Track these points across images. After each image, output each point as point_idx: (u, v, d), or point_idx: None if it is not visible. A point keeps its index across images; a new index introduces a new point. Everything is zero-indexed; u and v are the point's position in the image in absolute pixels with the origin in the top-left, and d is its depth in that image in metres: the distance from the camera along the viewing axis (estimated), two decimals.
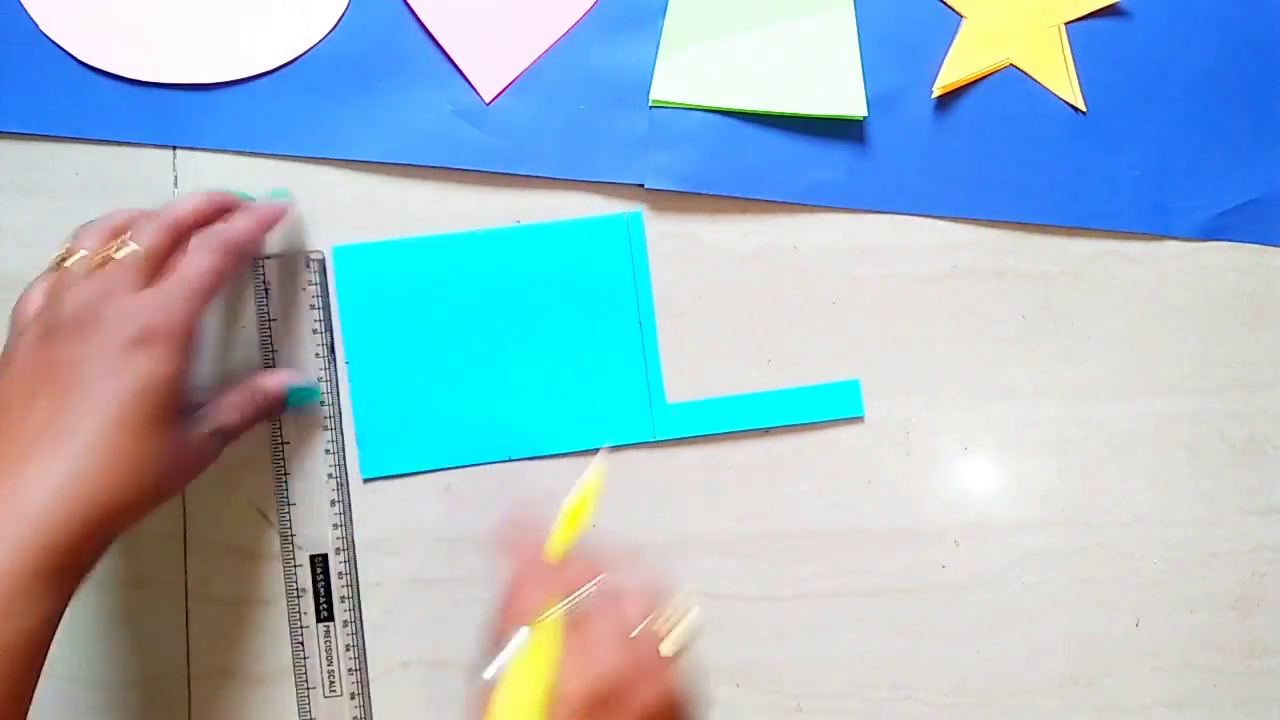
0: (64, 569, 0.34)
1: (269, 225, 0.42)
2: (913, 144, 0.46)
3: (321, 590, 0.44)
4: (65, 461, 0.34)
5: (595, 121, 0.46)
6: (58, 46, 0.44)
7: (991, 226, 0.47)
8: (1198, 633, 0.47)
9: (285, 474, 0.44)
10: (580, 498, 0.39)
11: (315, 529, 0.44)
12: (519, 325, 0.45)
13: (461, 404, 0.45)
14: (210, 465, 0.40)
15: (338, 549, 0.45)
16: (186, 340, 0.37)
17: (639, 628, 0.36)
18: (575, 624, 0.36)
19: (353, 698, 0.45)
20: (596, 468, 0.40)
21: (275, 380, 0.43)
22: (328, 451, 0.44)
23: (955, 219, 0.47)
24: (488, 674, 0.35)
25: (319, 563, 0.44)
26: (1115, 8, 0.47)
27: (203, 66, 0.45)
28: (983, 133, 0.47)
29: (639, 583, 0.38)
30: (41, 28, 0.45)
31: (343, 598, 0.45)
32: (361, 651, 0.45)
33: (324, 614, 0.45)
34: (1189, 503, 0.47)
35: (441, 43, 0.45)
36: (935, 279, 0.47)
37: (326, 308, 0.45)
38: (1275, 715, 0.47)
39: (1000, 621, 0.47)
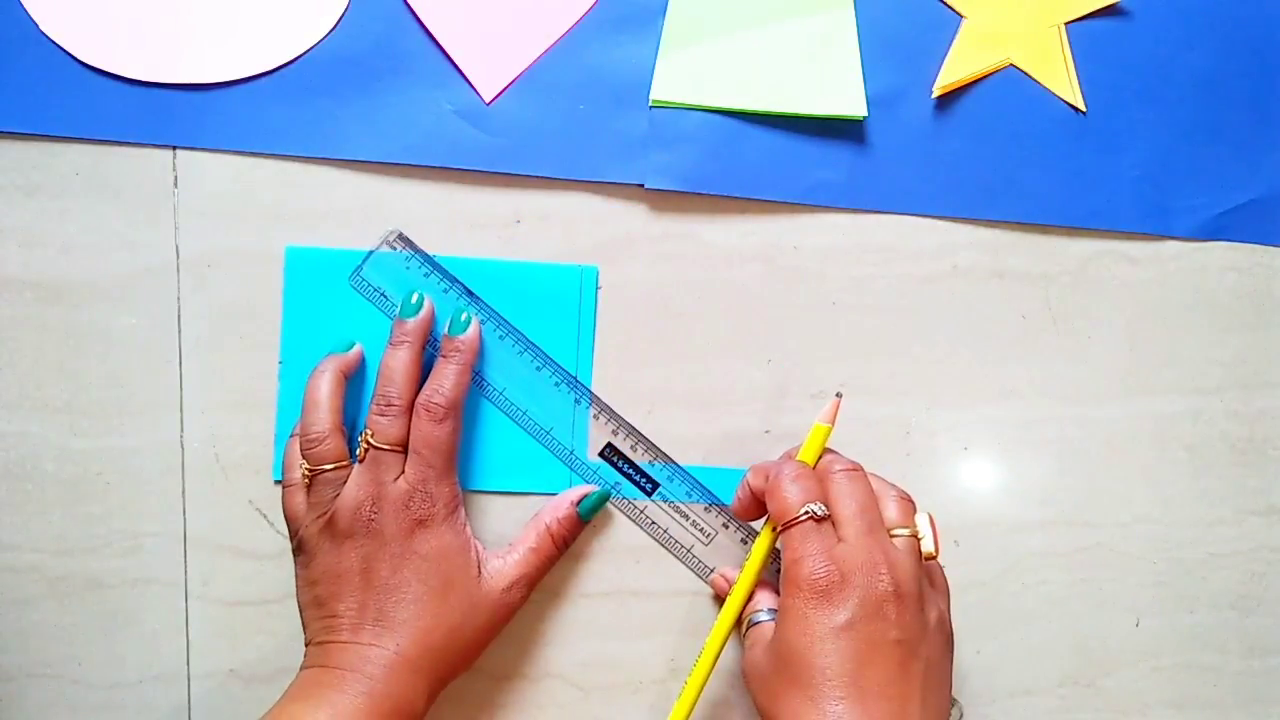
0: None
1: (473, 365, 0.44)
2: (913, 144, 0.46)
3: (631, 472, 0.45)
4: (390, 641, 0.40)
5: (595, 121, 0.46)
6: (58, 46, 0.45)
7: (991, 226, 0.47)
8: (1198, 633, 0.47)
9: None
10: (829, 414, 0.42)
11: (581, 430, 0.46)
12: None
13: None
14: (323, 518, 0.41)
15: (614, 430, 0.45)
16: (450, 512, 0.42)
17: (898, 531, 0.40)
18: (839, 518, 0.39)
19: None
20: (829, 410, 0.42)
21: (563, 511, 0.44)
22: None
23: (955, 219, 0.47)
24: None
25: (610, 453, 0.45)
26: (1115, 8, 0.47)
27: (203, 66, 0.45)
28: (983, 133, 0.47)
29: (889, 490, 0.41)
30: (41, 28, 0.45)
31: (647, 463, 0.45)
32: (703, 489, 0.46)
33: (648, 488, 0.45)
34: (1189, 503, 0.47)
35: (441, 43, 0.45)
36: (935, 279, 0.47)
37: (440, 269, 0.45)
38: (1275, 715, 0.47)
39: (1000, 621, 0.47)
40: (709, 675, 0.41)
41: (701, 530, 0.45)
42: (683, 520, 0.45)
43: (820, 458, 0.42)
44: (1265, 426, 0.48)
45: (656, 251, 0.46)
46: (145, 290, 0.45)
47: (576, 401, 0.45)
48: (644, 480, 0.45)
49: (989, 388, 0.47)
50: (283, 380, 0.45)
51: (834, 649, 0.36)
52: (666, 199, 0.46)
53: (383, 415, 0.42)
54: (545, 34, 0.46)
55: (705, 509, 0.46)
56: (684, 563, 0.46)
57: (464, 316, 0.43)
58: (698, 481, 0.45)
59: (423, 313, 0.43)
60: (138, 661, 0.45)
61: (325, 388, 0.43)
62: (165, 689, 0.45)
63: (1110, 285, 0.47)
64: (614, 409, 0.46)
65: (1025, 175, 0.47)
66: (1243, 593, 0.47)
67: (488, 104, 0.45)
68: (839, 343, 0.47)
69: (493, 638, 0.43)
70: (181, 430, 0.45)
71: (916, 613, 0.38)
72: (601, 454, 0.45)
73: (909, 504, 0.41)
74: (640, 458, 0.45)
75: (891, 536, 0.39)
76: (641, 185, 0.46)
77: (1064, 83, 0.47)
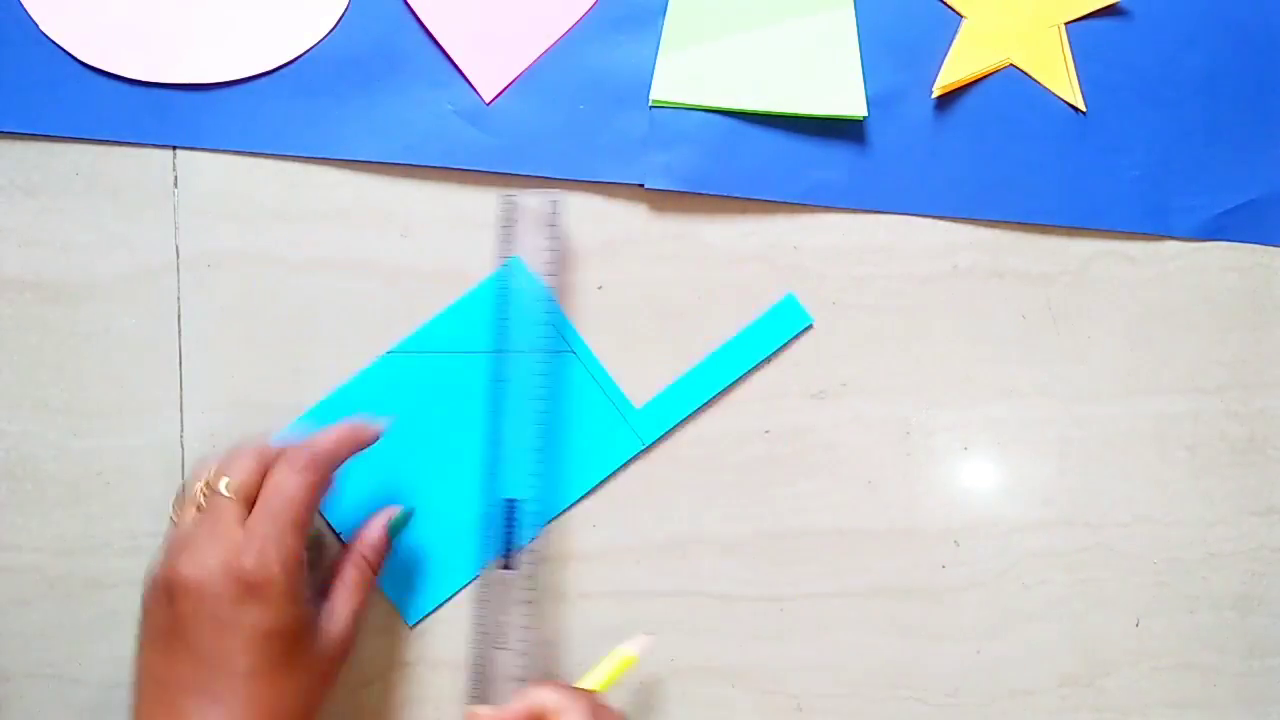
0: None
1: (358, 441, 0.40)
2: (913, 144, 0.46)
3: (510, 536, 0.44)
4: (220, 718, 0.35)
5: (595, 121, 0.46)
6: (58, 46, 0.45)
7: (991, 226, 0.47)
8: (1198, 633, 0.47)
9: None
10: (613, 669, 0.41)
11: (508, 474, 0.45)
12: (470, 412, 0.45)
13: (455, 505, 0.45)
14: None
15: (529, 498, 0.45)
16: (290, 580, 0.37)
17: None
18: None
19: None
20: (637, 644, 0.42)
21: (374, 534, 0.42)
22: None
23: (955, 219, 0.47)
24: None
25: (508, 508, 0.44)
26: (1115, 8, 0.47)
27: (203, 66, 0.45)
28: (983, 133, 0.47)
29: None
30: (41, 28, 0.45)
31: (519, 547, 0.44)
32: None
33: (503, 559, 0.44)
34: (1189, 503, 0.47)
35: (441, 43, 0.45)
36: (935, 279, 0.47)
37: (559, 251, 0.44)
38: (1275, 715, 0.47)
39: (1000, 621, 0.47)
40: None
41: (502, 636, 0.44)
42: (495, 617, 0.44)
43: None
44: (1265, 426, 0.48)
45: (656, 251, 0.46)
46: (145, 290, 0.45)
47: (590, 371, 0.45)
48: (509, 556, 0.44)
49: (989, 388, 0.47)
50: (377, 365, 0.45)
51: None
52: (666, 199, 0.46)
53: (236, 459, 0.38)
54: (545, 34, 0.46)
55: (523, 626, 0.44)
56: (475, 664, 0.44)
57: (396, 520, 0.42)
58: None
59: (360, 422, 0.41)
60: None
61: (332, 443, 0.40)
62: None
63: (1110, 285, 0.47)
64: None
65: (1025, 175, 0.47)
66: (1243, 593, 0.47)
67: (488, 104, 0.45)
68: (839, 343, 0.47)
69: (335, 683, 0.40)
70: (181, 430, 0.45)
71: None
72: (508, 500, 0.44)
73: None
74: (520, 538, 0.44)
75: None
76: (641, 185, 0.46)
77: (1064, 83, 0.47)
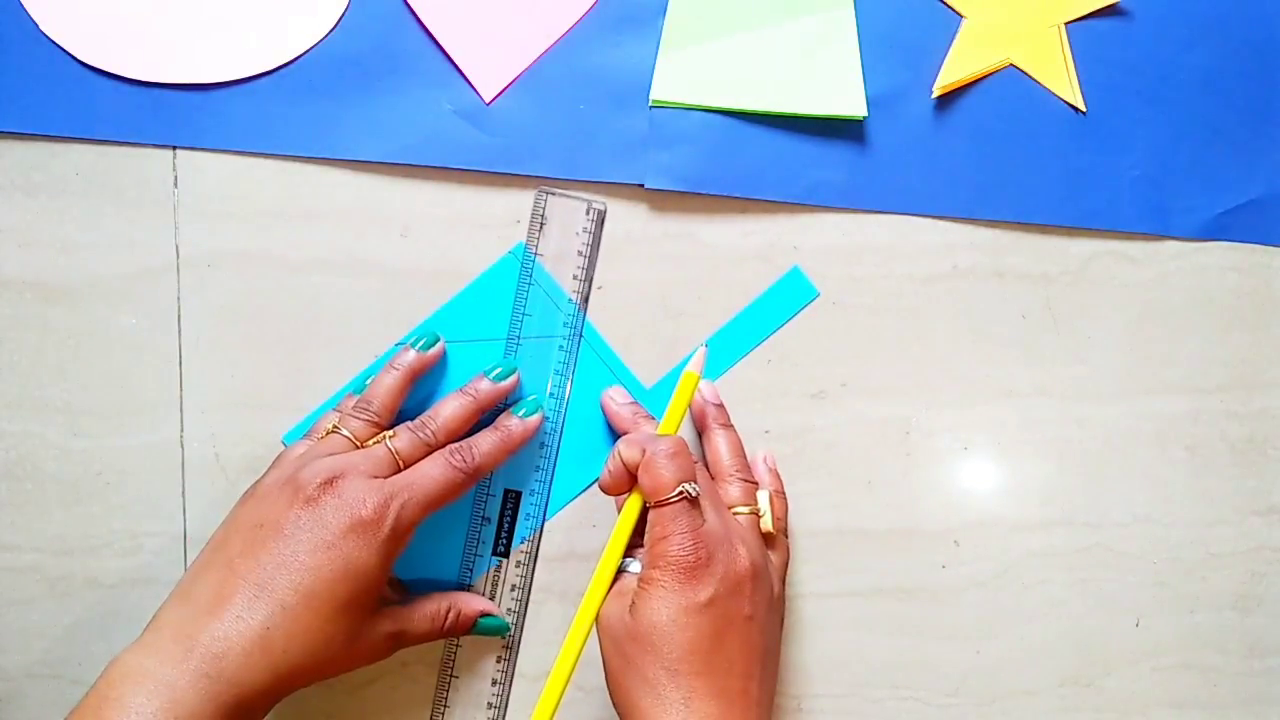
0: (239, 717, 0.37)
1: (516, 449, 0.43)
2: (913, 144, 0.46)
3: (505, 525, 0.45)
4: (259, 616, 0.37)
5: (595, 121, 0.46)
6: (58, 46, 0.44)
7: (991, 226, 0.47)
8: (1198, 633, 0.47)
9: None
10: (686, 381, 0.41)
11: (516, 466, 0.45)
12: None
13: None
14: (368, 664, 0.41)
15: (533, 490, 0.45)
16: (398, 539, 0.39)
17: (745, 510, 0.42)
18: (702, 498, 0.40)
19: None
20: (697, 358, 0.42)
21: (471, 607, 0.44)
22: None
23: (955, 219, 0.47)
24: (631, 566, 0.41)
25: (512, 498, 0.45)
26: (1115, 8, 0.47)
27: (203, 66, 0.45)
28: (983, 133, 0.47)
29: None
30: (41, 28, 0.45)
31: (522, 539, 0.45)
32: (526, 598, 0.46)
33: (501, 548, 0.45)
34: (1189, 503, 0.47)
35: (441, 43, 0.45)
36: (935, 279, 0.47)
37: (592, 259, 0.45)
38: (1275, 715, 0.47)
39: (1000, 621, 0.47)
40: (585, 643, 0.40)
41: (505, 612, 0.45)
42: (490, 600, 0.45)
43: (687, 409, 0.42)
44: (1265, 426, 0.48)
45: (656, 251, 0.46)
46: (145, 290, 0.45)
47: (601, 358, 0.45)
48: (504, 541, 0.45)
49: (989, 388, 0.47)
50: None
51: (694, 625, 0.37)
52: (666, 199, 0.46)
53: (356, 416, 0.42)
54: (545, 34, 0.46)
55: (508, 610, 0.45)
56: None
57: (525, 410, 0.44)
58: (527, 597, 0.45)
59: (504, 384, 0.44)
60: None
61: (396, 383, 0.43)
62: None
63: (1110, 285, 0.47)
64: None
65: (1025, 175, 0.47)
66: (1243, 593, 0.47)
67: (488, 104, 0.45)
68: (839, 343, 0.47)
69: (349, 670, 0.40)
70: (181, 430, 0.45)
71: (766, 590, 0.40)
72: (507, 490, 0.45)
73: (751, 485, 0.43)
74: (522, 530, 0.45)
75: (735, 514, 0.41)
76: (641, 185, 0.46)
77: (1064, 83, 0.47)
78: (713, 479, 0.43)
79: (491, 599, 0.45)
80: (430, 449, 0.42)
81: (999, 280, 0.47)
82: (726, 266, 0.46)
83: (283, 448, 0.44)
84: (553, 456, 0.45)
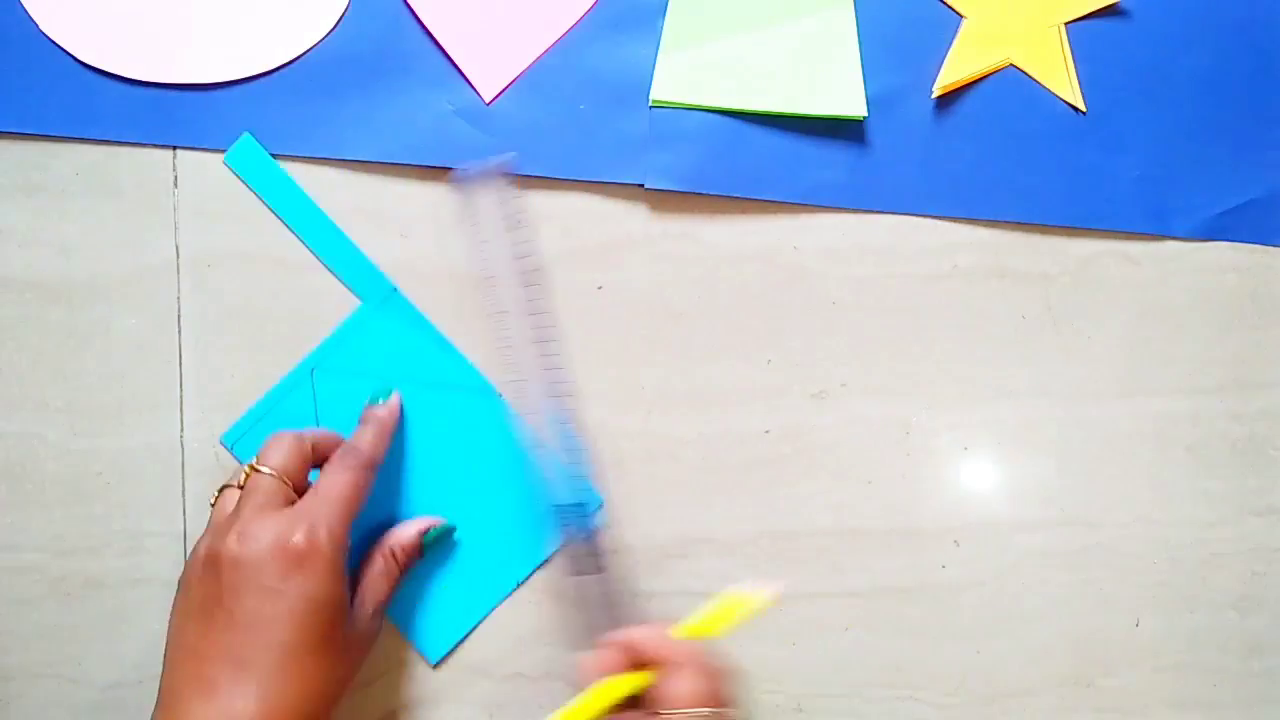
0: None
1: (392, 431, 0.43)
2: (913, 144, 0.46)
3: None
4: (252, 689, 0.36)
5: (595, 121, 0.46)
6: (58, 46, 0.44)
7: (991, 226, 0.47)
8: (1198, 633, 0.47)
9: None
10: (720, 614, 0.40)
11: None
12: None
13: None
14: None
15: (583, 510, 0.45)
16: (337, 555, 0.38)
17: None
18: None
19: None
20: (758, 597, 0.40)
21: (408, 536, 0.43)
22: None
23: (955, 219, 0.47)
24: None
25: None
26: (1115, 8, 0.47)
27: (203, 66, 0.45)
28: (983, 133, 0.47)
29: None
30: (41, 28, 0.45)
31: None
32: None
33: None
34: (1189, 503, 0.47)
35: (441, 43, 0.45)
36: (935, 279, 0.47)
37: (520, 230, 0.45)
38: (1275, 715, 0.47)
39: (1000, 621, 0.47)
40: None
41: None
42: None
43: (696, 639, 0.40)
44: (1265, 426, 0.48)
45: (656, 251, 0.46)
46: (145, 290, 0.45)
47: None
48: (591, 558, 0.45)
49: (989, 388, 0.47)
50: (306, 385, 0.45)
51: None
52: (666, 199, 0.46)
53: (277, 445, 0.40)
54: (545, 34, 0.46)
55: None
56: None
57: (382, 395, 0.44)
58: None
59: (390, 400, 0.44)
60: (138, 661, 0.45)
61: (373, 444, 0.42)
62: None
63: (1110, 285, 0.47)
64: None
65: (1025, 175, 0.47)
66: (1243, 593, 0.47)
67: (488, 104, 0.45)
68: (839, 343, 0.47)
69: (357, 673, 0.40)
70: (181, 430, 0.45)
71: None
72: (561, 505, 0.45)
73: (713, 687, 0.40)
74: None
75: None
76: (641, 185, 0.46)
77: (1064, 83, 0.47)
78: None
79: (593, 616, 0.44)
80: (307, 460, 0.41)
81: (999, 280, 0.47)
82: (726, 266, 0.46)
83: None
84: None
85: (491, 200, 0.44)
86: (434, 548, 0.44)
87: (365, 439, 0.42)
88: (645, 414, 0.46)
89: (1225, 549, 0.47)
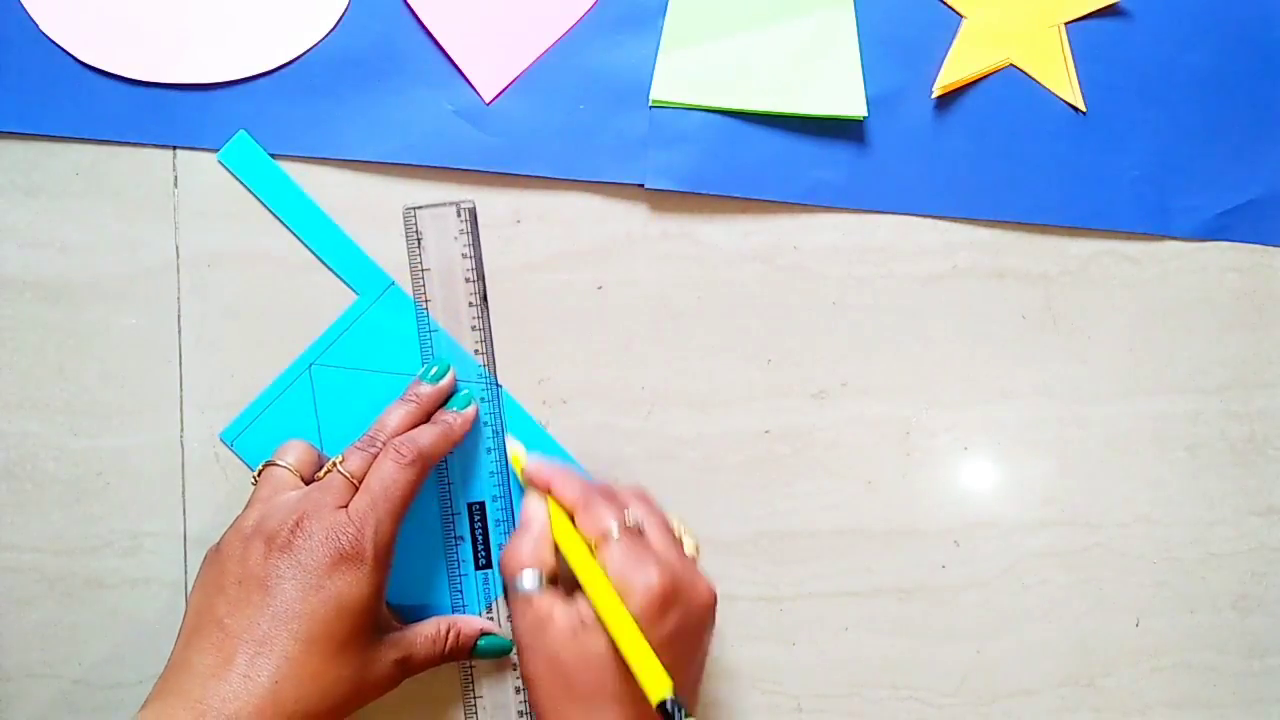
0: None
1: (458, 441, 0.43)
2: (913, 144, 0.46)
3: (479, 538, 0.45)
4: (266, 672, 0.36)
5: (595, 121, 0.46)
6: (58, 46, 0.44)
7: (991, 226, 0.47)
8: (1198, 633, 0.47)
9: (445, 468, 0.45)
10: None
11: (472, 478, 0.45)
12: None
13: None
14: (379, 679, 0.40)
15: (495, 496, 0.45)
16: (381, 561, 0.39)
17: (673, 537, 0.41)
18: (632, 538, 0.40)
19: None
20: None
21: (470, 626, 0.43)
22: (485, 423, 0.45)
23: (955, 219, 0.47)
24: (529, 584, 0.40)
25: (477, 510, 0.45)
26: (1115, 8, 0.47)
27: (203, 66, 0.45)
28: (983, 133, 0.47)
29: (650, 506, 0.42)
30: (41, 28, 0.45)
31: (500, 545, 0.45)
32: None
33: (481, 561, 0.45)
34: (1189, 503, 0.47)
35: (441, 43, 0.45)
36: (935, 279, 0.47)
37: (477, 258, 0.45)
38: (1275, 715, 0.47)
39: (1000, 621, 0.47)
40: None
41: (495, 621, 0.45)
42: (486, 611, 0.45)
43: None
44: (1265, 426, 0.48)
45: (656, 251, 0.46)
46: (145, 290, 0.45)
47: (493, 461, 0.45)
48: (482, 553, 0.45)
49: (989, 388, 0.47)
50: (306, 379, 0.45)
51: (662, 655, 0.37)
52: (666, 199, 0.46)
53: (360, 450, 0.41)
54: (545, 34, 0.46)
55: (508, 618, 0.44)
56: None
57: (461, 401, 0.44)
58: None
59: (443, 383, 0.44)
60: (138, 661, 0.45)
61: (408, 417, 0.42)
62: None
63: (1110, 285, 0.47)
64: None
65: (1025, 175, 0.47)
66: (1243, 593, 0.47)
67: (488, 104, 0.45)
68: (839, 343, 0.47)
69: (367, 703, 0.40)
70: (181, 430, 0.45)
71: (713, 616, 0.40)
72: (469, 504, 0.45)
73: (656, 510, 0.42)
74: (496, 538, 0.45)
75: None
76: (641, 185, 0.46)
77: (1064, 83, 0.47)
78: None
79: (491, 617, 0.45)
80: (371, 455, 0.41)
81: (999, 280, 0.47)
82: (726, 266, 0.46)
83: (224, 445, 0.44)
84: (502, 456, 0.45)
85: (442, 233, 0.45)
86: (483, 655, 0.44)
87: (429, 438, 0.42)
88: (645, 414, 0.46)
89: (1225, 549, 0.47)
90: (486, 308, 0.45)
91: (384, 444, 0.41)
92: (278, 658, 0.37)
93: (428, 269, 0.45)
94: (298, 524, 0.38)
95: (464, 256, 0.45)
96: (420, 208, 0.45)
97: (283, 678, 0.37)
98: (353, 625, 0.38)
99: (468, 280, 0.45)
